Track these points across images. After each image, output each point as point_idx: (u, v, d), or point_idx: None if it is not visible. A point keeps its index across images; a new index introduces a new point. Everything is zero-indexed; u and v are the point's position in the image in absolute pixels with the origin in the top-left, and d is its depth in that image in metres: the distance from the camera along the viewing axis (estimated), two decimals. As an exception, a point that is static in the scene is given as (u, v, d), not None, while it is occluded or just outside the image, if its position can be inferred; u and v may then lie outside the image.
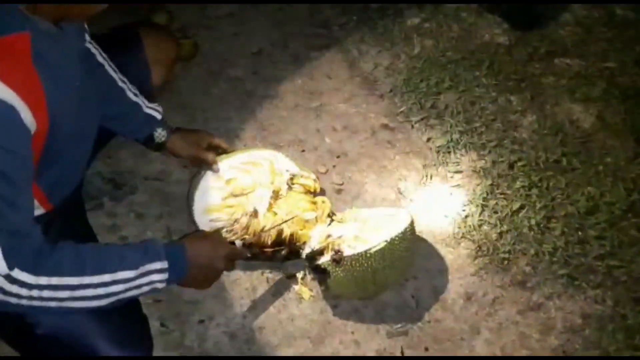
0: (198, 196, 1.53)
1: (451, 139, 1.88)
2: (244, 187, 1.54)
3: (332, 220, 1.59)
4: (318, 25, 2.23)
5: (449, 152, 1.86)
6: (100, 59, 1.34)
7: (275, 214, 1.51)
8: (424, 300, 1.57)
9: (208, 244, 1.22)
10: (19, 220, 0.95)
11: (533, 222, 1.70)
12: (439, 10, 2.24)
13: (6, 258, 0.91)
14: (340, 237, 1.50)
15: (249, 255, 1.39)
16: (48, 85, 0.95)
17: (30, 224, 0.99)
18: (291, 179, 1.56)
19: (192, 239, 1.22)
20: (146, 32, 1.47)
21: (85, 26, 1.28)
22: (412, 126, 1.92)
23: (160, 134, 1.45)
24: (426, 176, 1.81)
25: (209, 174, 1.54)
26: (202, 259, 1.19)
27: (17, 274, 0.93)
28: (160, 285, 1.11)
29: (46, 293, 0.97)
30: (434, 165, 1.83)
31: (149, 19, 2.13)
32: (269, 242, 1.48)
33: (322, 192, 1.67)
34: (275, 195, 1.53)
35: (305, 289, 1.55)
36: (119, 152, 1.78)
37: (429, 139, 1.89)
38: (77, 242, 1.07)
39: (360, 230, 1.50)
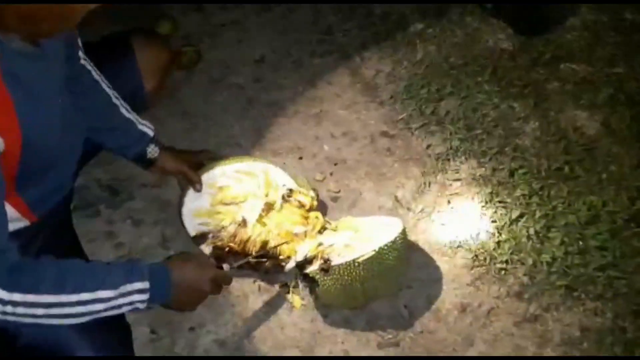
0: (188, 199, 1.53)
1: (451, 146, 1.86)
2: (235, 196, 1.54)
3: (325, 229, 1.59)
4: (321, 32, 2.22)
5: (449, 160, 1.83)
6: (95, 75, 1.34)
7: (265, 224, 1.51)
8: (417, 310, 1.55)
9: (193, 266, 1.19)
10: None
11: (532, 231, 1.66)
12: (443, 15, 2.22)
13: None
14: (331, 245, 1.49)
15: (233, 267, 1.37)
16: (21, 104, 0.94)
17: (4, 241, 0.98)
18: (288, 193, 1.54)
19: (177, 261, 1.20)
20: (137, 40, 1.48)
21: (79, 43, 1.29)
22: (412, 133, 1.90)
23: (153, 150, 1.44)
24: (424, 184, 1.79)
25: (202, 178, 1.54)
26: (187, 282, 1.17)
27: None
28: (140, 306, 1.09)
29: (20, 310, 0.96)
30: (433, 172, 1.81)
31: (153, 27, 2.15)
32: (253, 252, 1.47)
33: (320, 206, 1.63)
34: (268, 207, 1.52)
35: (296, 297, 1.55)
36: (117, 160, 1.79)
37: (428, 146, 1.87)
38: (62, 253, 1.07)
39: (352, 239, 1.49)
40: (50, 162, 1.09)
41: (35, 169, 1.05)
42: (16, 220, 1.14)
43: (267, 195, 1.53)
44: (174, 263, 1.18)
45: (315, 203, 1.57)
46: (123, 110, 1.39)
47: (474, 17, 2.19)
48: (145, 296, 1.08)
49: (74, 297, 1.00)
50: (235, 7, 2.30)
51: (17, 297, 0.95)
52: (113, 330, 1.20)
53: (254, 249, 1.48)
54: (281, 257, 1.50)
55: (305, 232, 1.52)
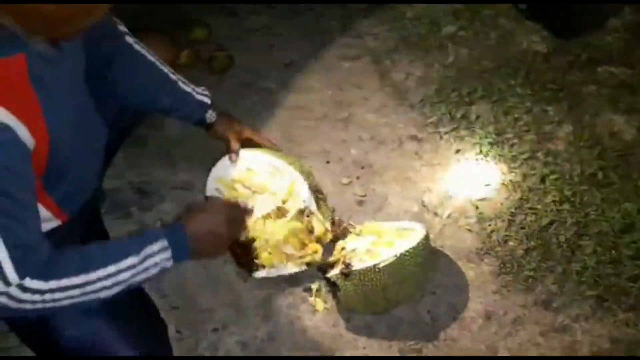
0: (221, 164, 1.57)
1: (481, 151, 1.82)
2: (256, 184, 1.54)
3: (349, 232, 1.59)
4: (351, 35, 2.22)
5: (478, 165, 1.80)
6: (150, 57, 1.39)
7: (264, 225, 1.50)
8: (440, 317, 1.52)
9: (205, 214, 1.22)
10: (27, 234, 0.99)
11: (563, 238, 1.62)
12: (476, 17, 2.18)
13: (17, 269, 0.95)
14: (353, 250, 1.49)
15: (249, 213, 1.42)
16: (46, 105, 0.98)
17: (39, 236, 1.03)
18: (307, 212, 1.52)
19: (188, 213, 1.23)
20: (142, 37, 1.51)
21: (125, 29, 1.34)
22: (441, 137, 1.88)
23: (211, 116, 1.51)
24: (452, 189, 1.76)
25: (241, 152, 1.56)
26: (203, 230, 1.19)
27: (29, 282, 0.97)
28: (167, 264, 1.13)
29: (57, 295, 1.01)
30: (461, 177, 1.78)
31: (188, 33, 2.20)
32: (237, 241, 1.48)
33: (337, 237, 1.57)
34: (279, 212, 1.52)
35: (319, 301, 1.55)
36: (148, 163, 1.84)
37: (457, 151, 1.85)
38: None
39: (374, 244, 1.48)
40: (73, 161, 1.12)
41: (61, 168, 1.09)
42: (48, 221, 1.18)
43: (284, 202, 1.53)
44: (186, 216, 1.21)
45: (328, 236, 1.53)
46: (181, 84, 1.46)
47: (508, 19, 2.15)
48: (167, 254, 1.12)
49: (102, 272, 1.04)
50: (267, 11, 2.33)
51: (52, 284, 1.00)
52: (151, 328, 1.24)
53: (243, 238, 1.48)
54: (256, 260, 1.48)
55: (292, 255, 1.49)
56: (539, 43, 2.07)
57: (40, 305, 1.00)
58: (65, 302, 1.03)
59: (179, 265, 1.15)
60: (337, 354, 1.47)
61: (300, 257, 1.49)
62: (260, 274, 1.48)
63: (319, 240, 1.52)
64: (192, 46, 2.14)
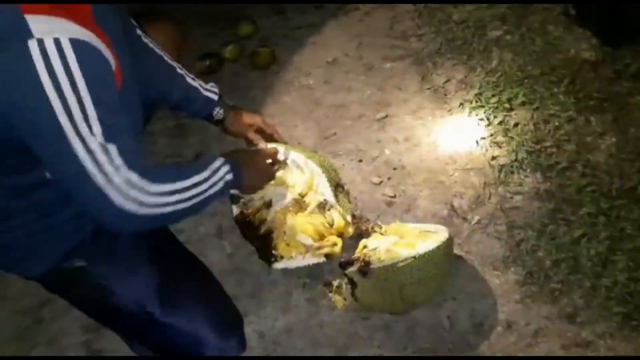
0: None
1: (516, 158, 1.79)
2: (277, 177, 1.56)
3: (374, 232, 1.59)
4: (396, 36, 2.22)
5: (512, 172, 1.77)
6: (158, 51, 1.45)
7: (284, 217, 1.52)
8: (459, 323, 1.51)
9: (249, 150, 1.47)
10: (135, 143, 1.05)
11: (594, 252, 1.57)
12: (523, 22, 2.14)
13: (131, 168, 1.02)
14: (374, 249, 1.50)
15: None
16: (113, 41, 1.04)
17: (141, 146, 1.11)
18: (327, 206, 1.53)
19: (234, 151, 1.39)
20: (148, 23, 1.54)
21: (134, 22, 1.39)
22: (477, 142, 1.86)
23: (218, 113, 1.55)
24: (484, 195, 1.74)
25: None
26: (249, 154, 1.39)
27: (138, 180, 1.03)
28: (229, 177, 1.23)
29: (162, 199, 1.08)
30: (494, 184, 1.75)
31: (234, 29, 2.26)
32: (256, 233, 1.52)
33: (361, 233, 1.59)
34: (298, 204, 1.54)
35: (338, 297, 1.56)
36: (186, 153, 1.91)
37: (493, 157, 1.82)
38: None
39: (395, 245, 1.48)
40: (125, 104, 1.17)
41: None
42: None
43: (303, 196, 1.54)
44: (231, 152, 1.34)
45: (349, 230, 1.54)
46: (189, 79, 1.50)
47: (557, 26, 2.10)
48: (227, 167, 1.23)
49: (188, 182, 1.14)
50: (315, 11, 2.36)
51: (165, 187, 1.08)
52: (228, 309, 1.35)
53: (258, 230, 1.52)
54: (274, 252, 1.51)
55: (310, 246, 1.50)
56: (587, 51, 2.01)
57: (145, 210, 1.05)
58: (168, 209, 1.09)
59: (236, 187, 1.30)
60: (352, 351, 1.48)
61: (319, 249, 1.51)
62: (278, 265, 1.51)
63: (340, 234, 1.53)
64: (237, 41, 2.20)
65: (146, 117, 1.60)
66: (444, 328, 1.50)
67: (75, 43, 0.91)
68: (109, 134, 0.97)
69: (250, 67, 2.16)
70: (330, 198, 1.52)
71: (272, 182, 1.51)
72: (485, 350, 1.46)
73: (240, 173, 1.26)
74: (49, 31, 0.89)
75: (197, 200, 1.15)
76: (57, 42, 0.89)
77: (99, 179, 0.97)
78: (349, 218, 1.53)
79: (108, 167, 0.98)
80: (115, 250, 1.27)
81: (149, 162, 1.10)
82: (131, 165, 1.01)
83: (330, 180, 1.53)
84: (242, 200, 1.57)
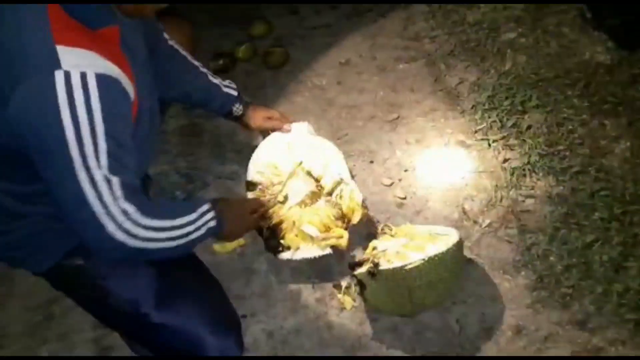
0: (263, 149, 1.65)
1: (529, 161, 1.78)
2: (292, 161, 1.62)
3: (384, 233, 1.59)
4: (409, 38, 2.22)
5: (525, 175, 1.76)
6: (182, 52, 1.49)
7: (297, 207, 1.56)
8: (468, 326, 1.50)
9: (236, 200, 1.47)
10: (134, 178, 1.07)
11: (606, 258, 1.55)
12: (538, 25, 2.12)
13: (132, 204, 1.04)
14: (384, 250, 1.49)
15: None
16: (134, 69, 1.08)
17: (139, 182, 1.12)
18: (338, 182, 1.57)
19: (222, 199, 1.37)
20: (164, 21, 1.56)
21: (162, 27, 1.43)
22: (489, 145, 1.84)
23: (237, 109, 1.60)
24: (495, 198, 1.73)
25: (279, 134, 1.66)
26: (234, 208, 1.36)
27: (141, 219, 1.06)
28: (212, 224, 1.24)
29: (156, 234, 1.11)
30: (506, 187, 1.74)
31: (249, 28, 2.26)
32: (266, 225, 1.53)
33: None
34: (313, 196, 1.56)
35: (347, 298, 1.56)
36: (199, 152, 1.92)
37: (505, 160, 1.80)
38: None
39: (404, 247, 1.48)
40: (145, 120, 1.19)
41: (141, 134, 1.16)
42: None
43: (319, 181, 1.57)
44: (219, 200, 1.32)
45: (358, 211, 1.55)
46: (210, 77, 1.55)
47: (572, 29, 2.08)
48: (212, 214, 1.23)
49: (178, 222, 1.16)
50: (329, 11, 2.36)
51: (156, 223, 1.10)
52: (225, 308, 1.34)
53: (268, 222, 1.53)
54: (282, 241, 1.52)
55: (316, 237, 1.52)
56: (602, 54, 1.99)
57: (138, 243, 1.07)
58: (156, 245, 1.11)
59: (215, 236, 1.27)
60: (360, 352, 1.48)
61: (324, 240, 1.51)
62: (285, 255, 1.52)
63: (348, 220, 1.55)
64: (250, 41, 2.20)
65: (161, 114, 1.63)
66: (453, 331, 1.50)
67: (99, 78, 0.95)
68: (115, 168, 1.00)
69: (264, 66, 2.17)
70: (347, 175, 1.58)
71: (290, 176, 1.56)
72: (494, 354, 1.45)
73: (222, 221, 1.26)
74: (77, 65, 0.94)
75: (182, 242, 1.16)
76: (83, 76, 0.94)
77: (96, 207, 1.00)
78: (360, 198, 1.56)
79: (108, 198, 1.01)
80: None
81: (145, 197, 1.12)
82: (130, 198, 1.04)
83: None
84: (259, 186, 1.60)
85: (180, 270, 1.36)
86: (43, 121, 0.94)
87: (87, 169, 0.97)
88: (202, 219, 1.21)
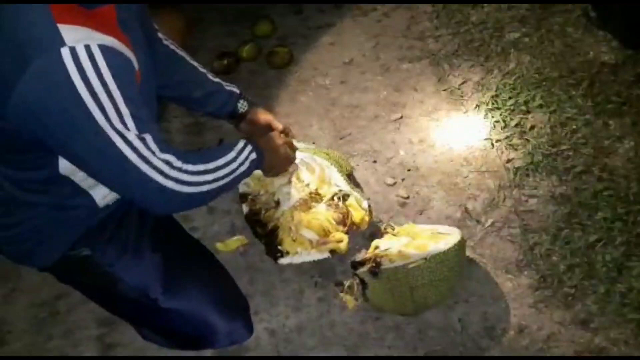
0: None
1: (532, 161, 1.77)
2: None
3: (386, 232, 1.60)
4: (413, 37, 2.21)
5: (528, 175, 1.76)
6: (179, 52, 1.49)
7: (291, 216, 1.55)
8: (471, 325, 1.50)
9: (262, 136, 1.44)
10: (158, 131, 1.11)
11: (609, 258, 1.55)
12: (543, 25, 2.12)
13: (165, 152, 1.08)
14: (386, 250, 1.50)
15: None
16: (131, 43, 1.09)
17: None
18: (343, 196, 1.56)
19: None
20: (152, 12, 1.56)
21: (155, 26, 1.42)
22: (493, 145, 1.84)
23: (242, 105, 1.60)
24: (498, 198, 1.73)
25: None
26: (267, 138, 1.40)
27: (175, 160, 1.11)
28: (253, 156, 1.30)
29: (198, 178, 1.15)
30: (509, 187, 1.74)
31: (252, 28, 2.27)
32: (264, 230, 1.55)
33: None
34: (306, 203, 1.55)
35: (350, 297, 1.56)
36: (199, 147, 1.92)
37: (508, 160, 1.80)
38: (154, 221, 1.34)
39: (406, 246, 1.48)
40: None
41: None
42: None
43: (317, 190, 1.56)
44: (250, 138, 1.36)
45: (366, 218, 1.56)
46: (210, 76, 1.55)
47: (576, 28, 2.08)
48: (250, 147, 1.29)
49: (219, 162, 1.22)
50: (332, 11, 2.36)
51: (200, 167, 1.16)
52: (232, 291, 1.41)
53: (269, 227, 1.54)
54: (279, 247, 1.53)
55: (317, 242, 1.53)
56: (607, 54, 1.98)
57: (195, 189, 1.14)
58: (206, 187, 1.17)
59: (258, 168, 1.34)
60: (362, 351, 1.48)
61: (324, 244, 1.52)
62: (284, 260, 1.53)
63: (357, 226, 1.55)
64: (254, 41, 2.21)
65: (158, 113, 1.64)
66: (456, 331, 1.50)
67: (103, 48, 0.96)
68: (142, 126, 1.03)
69: (268, 66, 2.17)
70: (345, 187, 1.56)
71: (282, 181, 1.54)
72: (497, 354, 1.45)
73: (262, 153, 1.32)
74: (79, 39, 0.94)
75: (229, 179, 1.22)
76: (87, 48, 0.94)
77: (141, 165, 1.04)
78: (365, 204, 1.55)
79: (147, 153, 1.04)
80: (119, 238, 1.30)
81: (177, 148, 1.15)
82: (166, 149, 1.08)
83: (341, 171, 1.56)
84: (249, 196, 1.61)
85: (186, 255, 1.38)
86: (61, 100, 0.94)
87: (118, 132, 0.99)
88: (243, 154, 1.27)
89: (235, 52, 2.18)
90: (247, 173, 1.28)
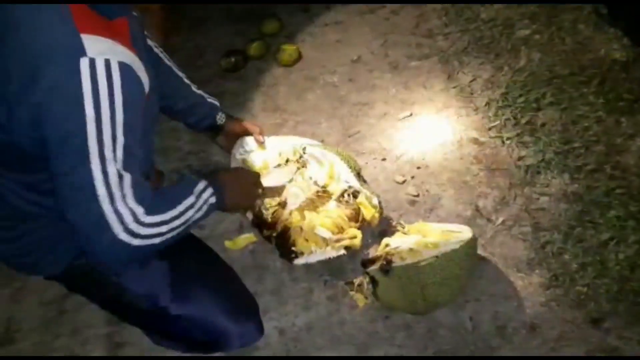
0: (239, 145, 1.66)
1: (543, 159, 1.76)
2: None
3: (397, 230, 1.58)
4: (422, 35, 2.20)
5: (539, 173, 1.74)
6: (167, 62, 1.48)
7: (302, 215, 1.54)
8: (482, 324, 1.49)
9: (236, 171, 1.42)
10: (138, 172, 1.06)
11: (622, 256, 1.53)
12: (553, 22, 2.10)
13: (138, 202, 1.03)
14: (397, 248, 1.48)
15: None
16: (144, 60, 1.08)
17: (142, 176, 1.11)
18: (353, 193, 1.55)
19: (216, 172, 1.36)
20: (140, 8, 1.55)
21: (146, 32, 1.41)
22: (503, 142, 1.83)
23: (221, 117, 1.60)
24: (509, 196, 1.71)
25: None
26: (234, 179, 1.32)
27: (144, 217, 1.05)
28: (212, 200, 1.22)
29: (154, 230, 1.08)
30: (520, 185, 1.73)
31: (260, 26, 2.26)
32: (273, 232, 1.54)
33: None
34: (311, 203, 1.54)
35: (360, 295, 1.55)
36: (210, 150, 1.91)
37: (519, 158, 1.79)
38: None
39: (417, 244, 1.47)
40: (149, 121, 1.19)
41: (144, 126, 1.16)
42: None
43: (325, 188, 1.55)
44: (217, 173, 1.31)
45: (376, 215, 1.55)
46: (194, 88, 1.54)
47: (587, 25, 2.06)
48: (210, 190, 1.21)
49: (177, 210, 1.13)
50: (340, 9, 2.35)
51: (157, 218, 1.08)
52: (243, 296, 1.38)
53: (278, 229, 1.53)
54: (293, 248, 1.52)
55: (331, 240, 1.51)
56: (618, 51, 1.96)
57: (146, 242, 1.06)
58: (159, 239, 1.09)
59: (219, 212, 1.27)
60: (372, 350, 1.47)
61: (338, 242, 1.51)
62: (299, 261, 1.51)
63: (367, 223, 1.53)
64: (262, 39, 2.20)
65: None
66: (466, 329, 1.48)
67: (122, 66, 0.95)
68: (128, 164, 0.99)
69: (275, 64, 2.17)
70: (355, 183, 1.54)
71: (290, 181, 1.53)
72: (508, 353, 1.43)
73: (223, 195, 1.24)
74: (102, 52, 0.93)
75: (182, 229, 1.14)
76: (107, 63, 0.93)
77: (105, 204, 0.98)
78: (375, 201, 1.54)
79: (118, 194, 0.99)
80: None
81: (150, 192, 1.09)
82: (139, 198, 1.02)
83: (351, 167, 1.54)
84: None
85: (194, 260, 1.36)
86: (65, 108, 0.93)
87: (102, 160, 0.96)
88: (201, 198, 1.19)
89: (243, 50, 2.17)
90: (202, 218, 1.20)
